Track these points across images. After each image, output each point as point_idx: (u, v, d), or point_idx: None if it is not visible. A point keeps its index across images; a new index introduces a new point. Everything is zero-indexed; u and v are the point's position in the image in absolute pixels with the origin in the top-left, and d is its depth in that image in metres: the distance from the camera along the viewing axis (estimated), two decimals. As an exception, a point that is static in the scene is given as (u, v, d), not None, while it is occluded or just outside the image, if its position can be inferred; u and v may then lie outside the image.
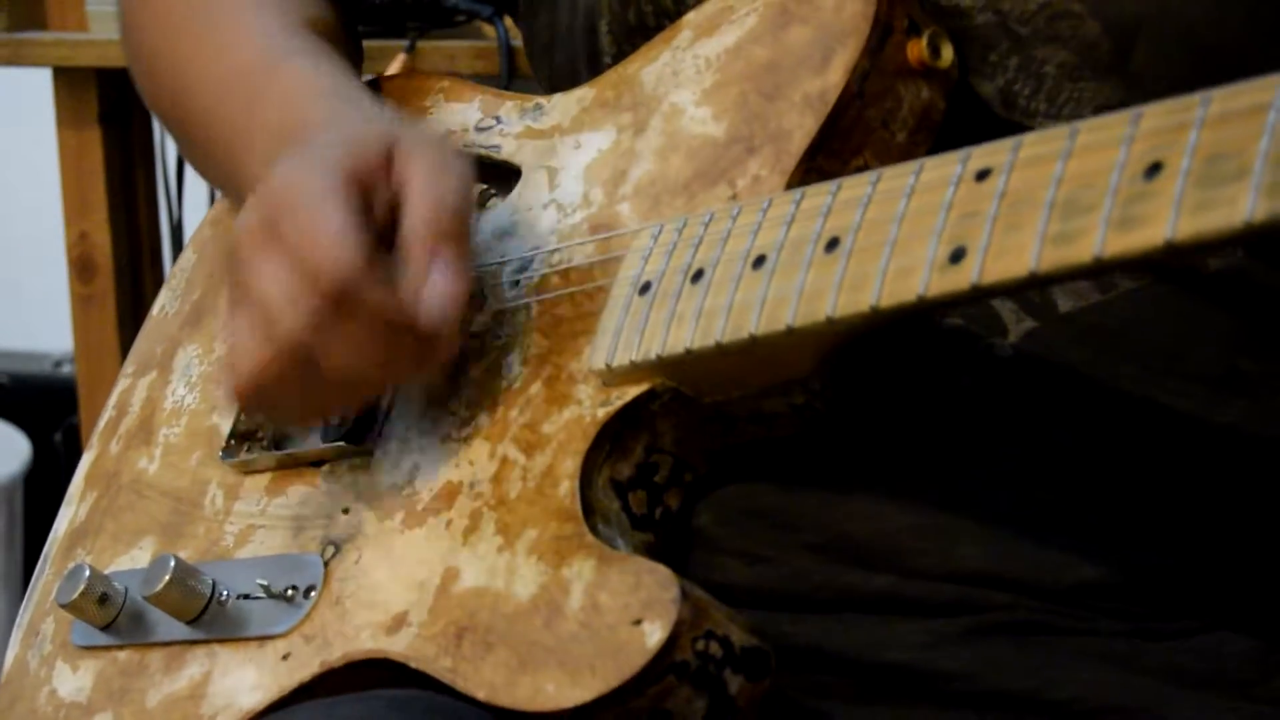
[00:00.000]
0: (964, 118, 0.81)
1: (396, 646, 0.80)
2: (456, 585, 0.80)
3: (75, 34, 2.02)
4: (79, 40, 2.01)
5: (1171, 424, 0.82)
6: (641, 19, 0.89)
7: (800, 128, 0.80)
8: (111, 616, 0.91)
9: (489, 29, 1.86)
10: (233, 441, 0.93)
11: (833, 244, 0.73)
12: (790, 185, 0.79)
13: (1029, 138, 0.69)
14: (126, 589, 0.91)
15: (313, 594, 0.85)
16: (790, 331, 0.73)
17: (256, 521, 0.90)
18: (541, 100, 0.92)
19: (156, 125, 2.14)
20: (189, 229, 1.49)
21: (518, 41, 1.78)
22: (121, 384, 1.04)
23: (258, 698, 0.84)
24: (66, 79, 2.06)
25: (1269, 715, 0.81)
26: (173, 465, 0.96)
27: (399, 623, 0.81)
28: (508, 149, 0.92)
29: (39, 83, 2.11)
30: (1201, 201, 0.62)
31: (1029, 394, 0.82)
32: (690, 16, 0.86)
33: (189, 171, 2.16)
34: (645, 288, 0.80)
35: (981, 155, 0.70)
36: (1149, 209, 0.63)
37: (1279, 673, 0.82)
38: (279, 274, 0.79)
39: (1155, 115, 0.65)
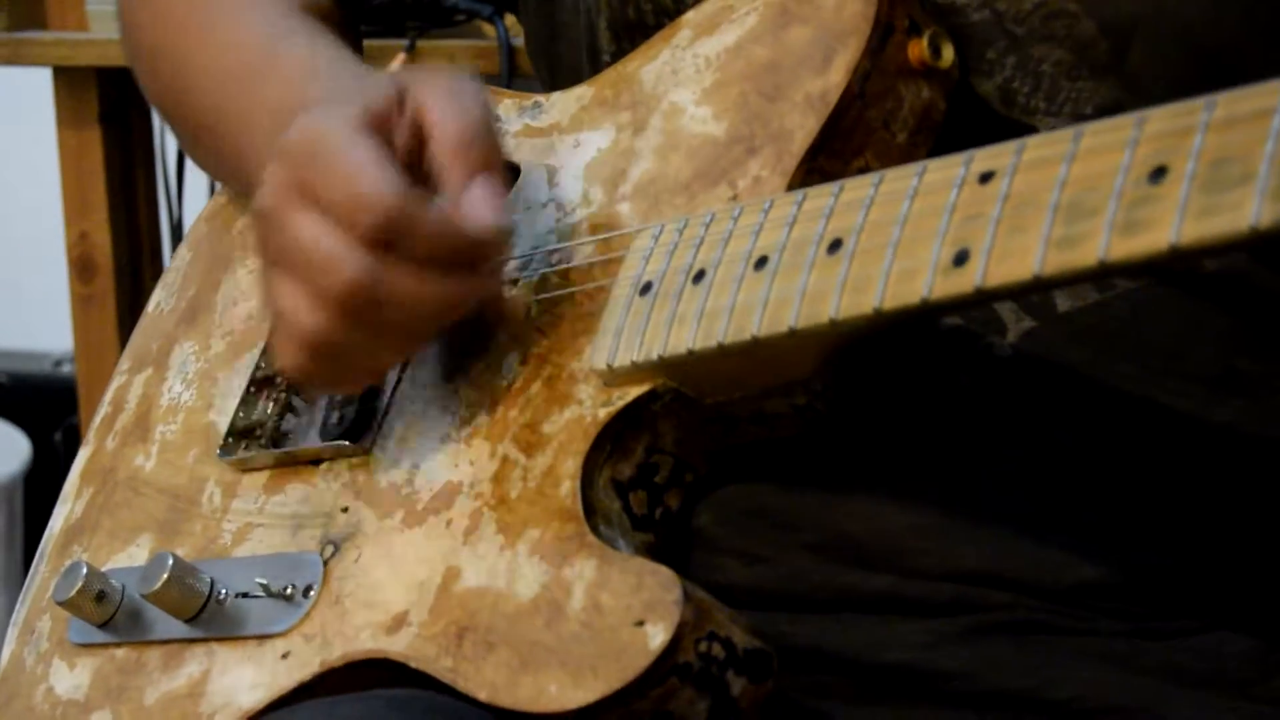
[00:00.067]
0: (964, 116, 0.81)
1: (397, 646, 0.80)
2: (457, 585, 0.80)
3: (75, 33, 2.03)
4: (79, 40, 2.01)
5: (1170, 424, 0.82)
6: (640, 16, 0.89)
7: (801, 128, 0.80)
8: (109, 614, 0.91)
9: (489, 28, 1.86)
10: (230, 439, 0.93)
11: (835, 245, 0.73)
12: (791, 186, 0.79)
13: (1032, 140, 0.69)
14: (124, 586, 0.91)
15: (312, 593, 0.84)
16: (793, 333, 0.73)
17: (254, 520, 0.90)
18: (540, 98, 0.92)
19: (156, 124, 2.14)
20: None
21: (518, 40, 1.78)
22: (117, 380, 1.04)
23: (257, 696, 0.84)
24: (66, 78, 2.06)
25: (1269, 715, 0.81)
26: (169, 462, 0.96)
27: (399, 622, 0.80)
28: (506, 147, 0.91)
29: (39, 82, 2.11)
30: (1206, 206, 0.61)
31: (1028, 394, 0.82)
32: (690, 15, 0.86)
33: (189, 171, 2.16)
34: (646, 288, 0.80)
35: (985, 157, 0.70)
36: (1154, 213, 0.63)
37: (1279, 673, 0.82)
38: (319, 227, 0.76)
39: (1159, 119, 0.65)
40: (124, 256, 2.10)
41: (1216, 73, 0.67)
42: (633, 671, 0.72)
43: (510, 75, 1.79)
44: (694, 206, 0.82)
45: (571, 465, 0.79)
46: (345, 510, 0.86)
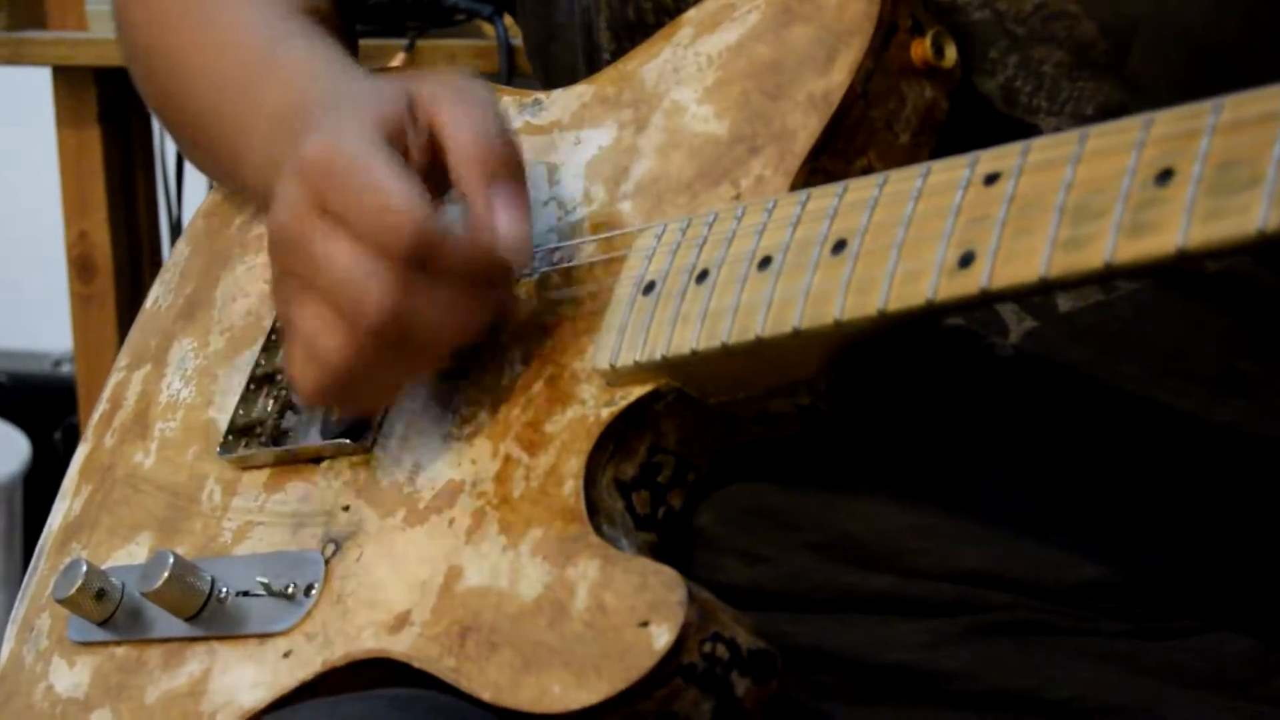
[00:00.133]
0: (966, 115, 0.81)
1: (399, 646, 0.80)
2: (460, 584, 0.79)
3: (75, 33, 2.03)
4: (78, 39, 2.01)
5: (1171, 424, 0.82)
6: (640, 15, 0.89)
7: (804, 128, 0.80)
8: (109, 612, 0.91)
9: (489, 28, 1.86)
10: (230, 437, 0.93)
11: (839, 246, 0.73)
12: (794, 186, 0.79)
13: (1038, 142, 0.69)
14: (124, 584, 0.91)
15: (313, 592, 0.84)
16: (797, 333, 0.73)
17: (255, 518, 0.90)
18: (540, 96, 0.92)
19: (156, 124, 2.14)
20: (188, 228, 1.49)
21: (517, 40, 1.78)
22: (115, 377, 1.03)
23: (258, 695, 0.84)
24: (66, 78, 2.06)
25: (1269, 715, 0.81)
26: (169, 460, 0.96)
27: (401, 622, 0.80)
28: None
29: (39, 82, 2.11)
30: (1214, 209, 0.61)
31: (1029, 394, 0.82)
32: (691, 13, 0.86)
33: (189, 170, 2.16)
34: (649, 287, 0.80)
35: (990, 159, 0.70)
36: (1160, 215, 0.63)
37: (1279, 673, 0.82)
38: (346, 251, 0.75)
39: (1166, 121, 0.64)
40: (124, 256, 2.10)
41: (1217, 74, 0.67)
42: (637, 672, 0.72)
43: (510, 75, 1.79)
44: (696, 205, 0.82)
45: (574, 465, 0.79)
46: (346, 509, 0.86)
